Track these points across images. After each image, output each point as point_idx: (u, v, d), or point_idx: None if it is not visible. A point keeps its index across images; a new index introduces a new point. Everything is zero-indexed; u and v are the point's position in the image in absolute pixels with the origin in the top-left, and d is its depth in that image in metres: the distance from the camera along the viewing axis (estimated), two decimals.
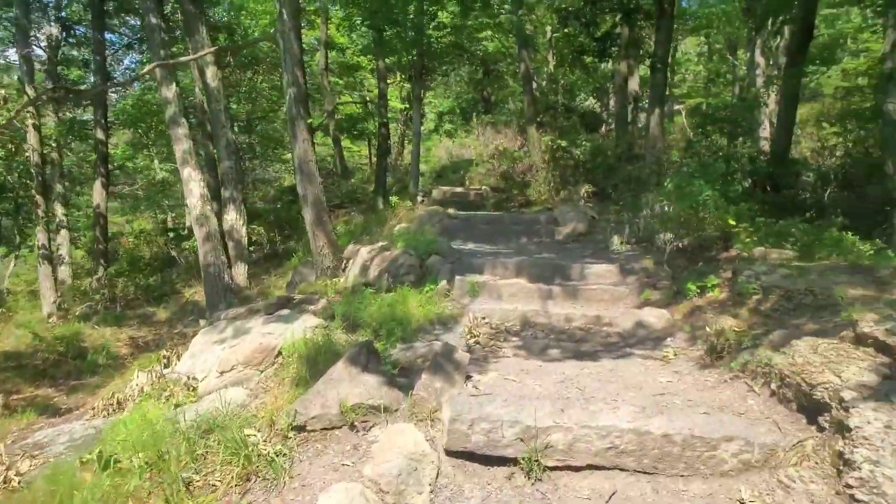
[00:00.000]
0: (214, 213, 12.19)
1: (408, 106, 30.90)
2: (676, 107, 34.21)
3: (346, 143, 30.09)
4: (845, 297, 5.10)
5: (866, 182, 12.64)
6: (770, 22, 26.62)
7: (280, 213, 20.03)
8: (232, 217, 12.32)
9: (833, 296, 5.19)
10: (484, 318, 6.64)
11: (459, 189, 20.87)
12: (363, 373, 4.76)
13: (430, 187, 20.98)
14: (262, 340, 6.35)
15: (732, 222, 6.67)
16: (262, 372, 6.10)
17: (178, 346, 9.26)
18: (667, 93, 21.56)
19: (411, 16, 14.07)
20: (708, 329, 5.57)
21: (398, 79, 28.79)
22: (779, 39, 26.25)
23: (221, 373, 6.19)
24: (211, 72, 12.30)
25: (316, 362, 5.56)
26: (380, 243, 10.55)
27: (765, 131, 23.92)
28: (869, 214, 12.16)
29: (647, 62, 15.67)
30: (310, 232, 10.88)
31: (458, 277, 7.62)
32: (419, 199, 18.47)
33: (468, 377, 4.82)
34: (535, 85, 24.94)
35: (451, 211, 12.37)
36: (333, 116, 22.02)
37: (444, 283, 7.57)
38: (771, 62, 27.48)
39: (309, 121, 10.52)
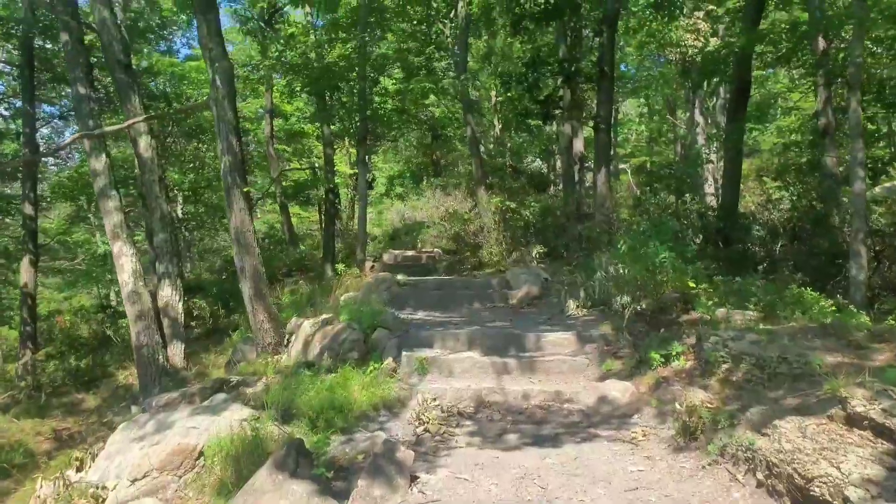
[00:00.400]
0: (150, 290, 11.33)
1: (356, 170, 30.69)
2: (622, 166, 34.96)
3: (295, 209, 29.53)
4: (823, 364, 4.67)
5: (813, 234, 12.63)
6: (706, 83, 27.60)
7: (224, 285, 19.10)
8: (167, 293, 11.47)
9: (810, 364, 4.75)
10: (434, 400, 6.00)
11: (411, 252, 20.38)
12: (291, 479, 4.04)
13: (381, 251, 20.44)
14: (182, 440, 5.54)
15: (692, 284, 6.29)
16: (180, 478, 5.28)
17: (103, 439, 8.29)
18: (612, 152, 21.78)
19: (352, 82, 13.83)
20: (678, 405, 5.05)
21: (345, 144, 28.59)
22: (715, 99, 27.15)
23: (133, 481, 5.34)
24: (144, 142, 11.67)
25: (240, 465, 4.81)
26: (323, 316, 9.85)
27: (710, 187, 24.37)
28: (821, 267, 12.09)
29: (591, 123, 15.69)
30: (248, 306, 10.12)
31: (405, 353, 6.98)
32: (369, 264, 17.87)
33: (414, 478, 4.16)
34: (482, 148, 24.97)
35: (399, 277, 11.79)
36: (280, 183, 21.46)
37: (389, 360, 6.92)
38: (709, 121, 28.36)
39: (246, 189, 9.93)
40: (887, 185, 19.40)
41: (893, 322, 6.01)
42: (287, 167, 22.81)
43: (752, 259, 12.76)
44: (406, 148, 36.99)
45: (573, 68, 15.37)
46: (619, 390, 5.89)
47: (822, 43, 14.27)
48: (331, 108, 14.03)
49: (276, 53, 14.31)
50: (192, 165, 24.11)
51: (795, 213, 13.19)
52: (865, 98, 17.78)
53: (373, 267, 17.86)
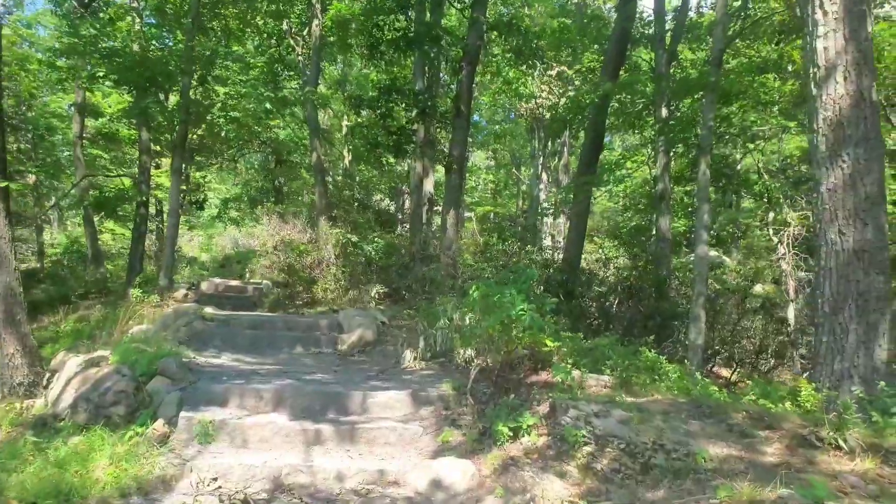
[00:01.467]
0: None
1: (184, 186, 27.77)
2: (467, 214, 34.78)
3: (110, 225, 25.94)
4: (707, 457, 3.74)
5: (649, 295, 12.52)
6: (550, 142, 28.33)
7: None
8: None
9: (692, 455, 3.82)
10: (214, 481, 4.40)
11: (235, 282, 18.20)
12: None
13: (199, 279, 18.07)
14: None
15: (549, 343, 5.29)
16: None
17: None
18: (462, 196, 21.15)
19: (178, 80, 11.90)
20: (530, 499, 3.90)
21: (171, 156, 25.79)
22: (558, 159, 27.86)
23: None
24: None
25: None
26: (96, 353, 7.78)
27: (546, 241, 24.69)
28: (654, 327, 11.94)
29: (444, 162, 14.88)
30: None
31: (186, 413, 5.27)
32: (182, 292, 15.53)
33: None
34: (329, 178, 23.52)
35: (208, 310, 9.89)
36: (85, 192, 18.44)
37: (161, 422, 5.18)
38: (551, 179, 29.09)
39: (2, 185, 7.72)
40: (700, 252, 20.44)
41: (753, 398, 5.38)
42: (96, 174, 19.67)
43: (587, 314, 12.38)
44: (246, 170, 34.55)
45: (429, 102, 14.53)
46: (459, 471, 4.65)
47: (664, 111, 14.64)
48: (147, 106, 11.92)
49: (89, 37, 12.00)
50: None
51: (633, 272, 13.11)
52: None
53: (186, 295, 15.52)
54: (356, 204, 24.03)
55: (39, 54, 21.56)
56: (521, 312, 4.96)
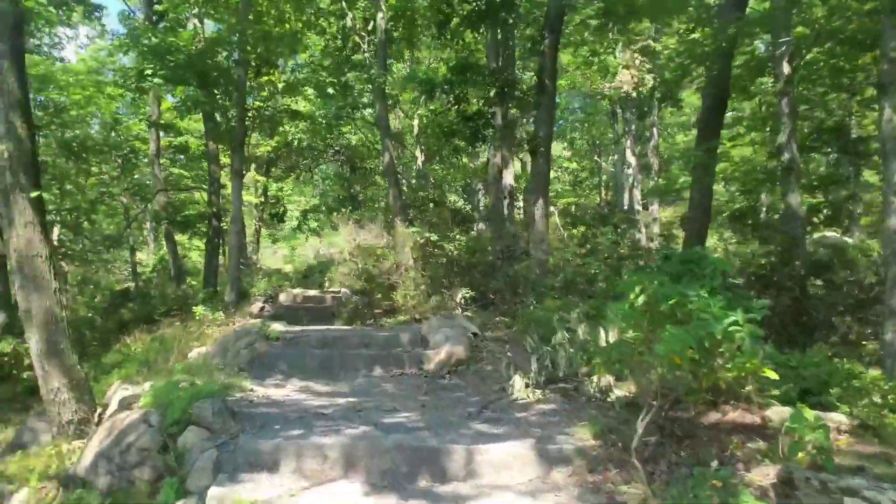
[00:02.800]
0: None
1: (262, 199, 26.96)
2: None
3: (196, 242, 25.31)
4: None
5: (792, 283, 10.05)
6: (635, 124, 25.73)
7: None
8: None
9: None
10: None
11: (314, 292, 16.79)
12: None
13: (277, 290, 16.79)
14: None
15: (769, 373, 3.21)
16: None
17: None
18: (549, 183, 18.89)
19: (228, 68, 10.40)
20: None
21: (251, 171, 24.90)
22: (650, 139, 25.18)
23: None
24: None
25: None
26: (143, 385, 6.28)
27: (640, 232, 22.13)
28: (785, 325, 9.49)
29: (527, 146, 12.85)
30: (37, 366, 6.44)
31: (216, 490, 3.52)
32: (258, 305, 14.20)
33: None
34: (403, 180, 21.93)
35: (276, 327, 8.29)
36: (166, 208, 17.55)
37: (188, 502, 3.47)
38: (640, 164, 26.44)
39: (36, 194, 6.32)
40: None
41: None
42: (167, 189, 18.73)
43: None
44: (323, 181, 33.68)
45: (507, 79, 12.58)
46: None
47: (786, 68, 12.09)
48: (197, 98, 10.48)
49: (149, 40, 10.67)
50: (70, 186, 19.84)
51: (769, 259, 10.68)
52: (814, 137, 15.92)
53: (262, 308, 14.18)
54: (431, 204, 22.33)
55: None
56: (733, 329, 2.95)
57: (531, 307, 8.64)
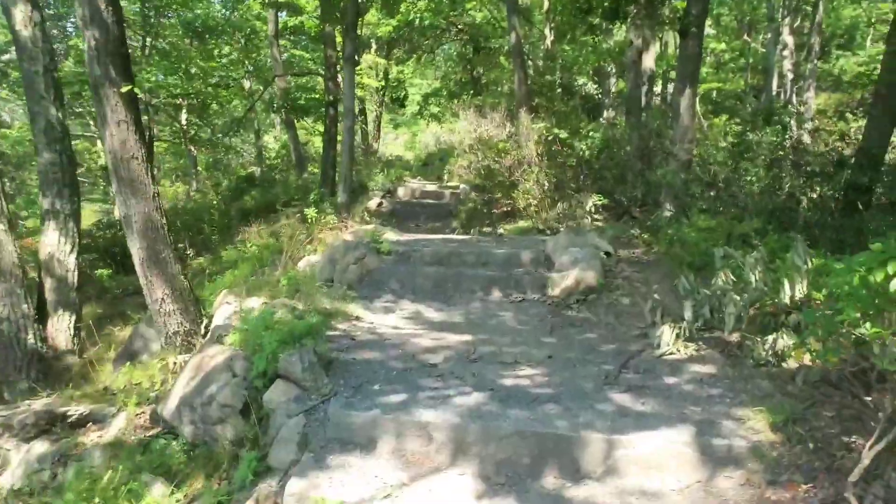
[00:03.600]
0: (15, 237, 7.48)
1: (383, 83, 26.07)
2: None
3: (313, 127, 25.17)
4: None
5: None
6: None
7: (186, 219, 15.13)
8: (52, 240, 7.60)
9: None
10: None
11: (432, 187, 16.12)
12: None
13: (396, 184, 16.24)
14: None
15: None
16: None
17: None
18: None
19: None
20: None
21: (372, 54, 23.92)
22: (810, 20, 21.29)
23: None
24: (21, 13, 7.52)
25: None
26: (248, 300, 5.88)
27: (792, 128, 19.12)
28: None
29: (676, 26, 10.79)
30: (141, 276, 6.21)
31: (296, 481, 2.91)
32: (376, 201, 13.73)
33: None
34: (529, 62, 20.08)
35: (388, 236, 7.63)
36: (286, 93, 17.16)
37: (264, 489, 2.90)
38: (798, 45, 22.62)
39: (126, 88, 5.78)
40: None
41: None
42: (284, 74, 18.13)
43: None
44: (445, 63, 32.13)
45: None
46: None
47: None
48: None
49: None
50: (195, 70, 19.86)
51: None
52: None
53: (380, 204, 13.72)
54: (558, 90, 20.47)
55: None
56: None
57: (675, 222, 7.35)
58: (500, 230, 9.40)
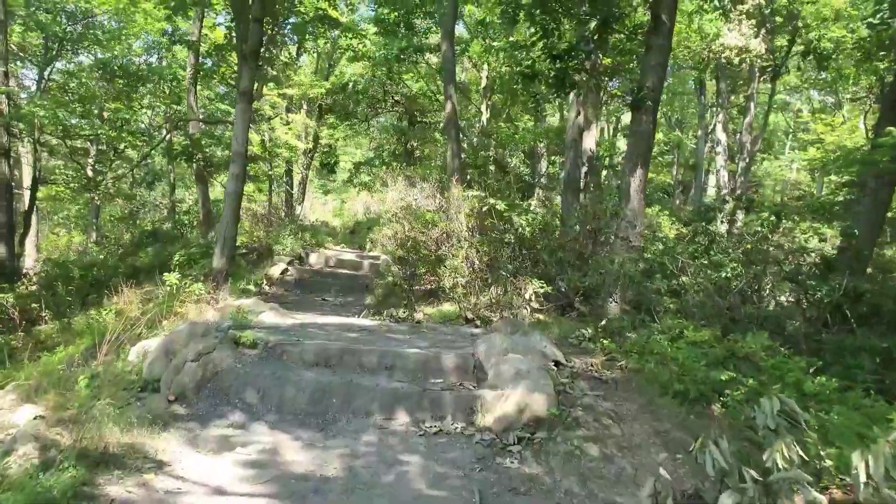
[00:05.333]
0: None
1: (312, 146, 24.15)
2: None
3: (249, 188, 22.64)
4: None
5: None
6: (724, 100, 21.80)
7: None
8: None
9: None
10: None
11: (350, 255, 13.94)
12: None
13: (310, 249, 14.00)
14: None
15: None
16: None
17: None
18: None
19: None
20: None
21: (300, 113, 22.07)
22: (745, 115, 21.13)
23: None
24: None
25: None
26: (33, 407, 3.51)
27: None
28: None
29: (629, 98, 9.39)
30: None
31: None
32: (281, 267, 11.42)
33: None
34: (464, 138, 18.69)
35: (266, 317, 5.43)
36: (196, 144, 14.85)
37: None
38: (732, 143, 22.46)
39: None
40: None
41: None
42: (199, 119, 15.83)
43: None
44: (380, 133, 30.81)
45: (611, 11, 9.17)
46: None
47: None
48: None
49: None
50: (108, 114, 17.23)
51: None
52: None
53: (285, 271, 11.41)
54: (492, 166, 19.14)
55: None
56: None
57: (640, 327, 5.53)
58: (420, 314, 7.32)
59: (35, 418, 3.42)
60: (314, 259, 12.93)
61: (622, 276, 6.71)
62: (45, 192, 17.77)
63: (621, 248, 7.81)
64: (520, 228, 7.71)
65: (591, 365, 5.20)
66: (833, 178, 20.11)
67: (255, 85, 7.69)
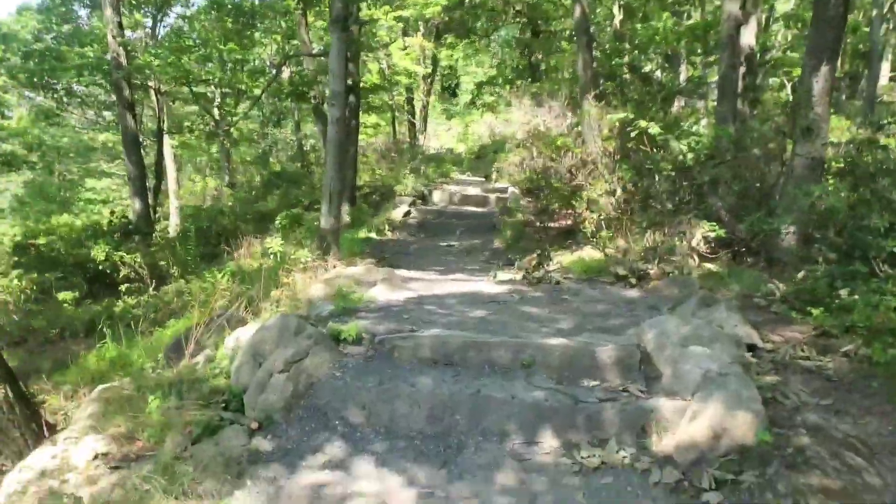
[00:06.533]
0: None
1: (431, 69, 22.85)
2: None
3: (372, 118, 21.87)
4: None
5: None
6: None
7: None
8: None
9: None
10: None
11: (475, 191, 12.86)
12: None
13: (433, 186, 13.04)
14: None
15: None
16: None
17: None
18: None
19: None
20: None
21: (417, 36, 20.69)
22: None
23: None
24: None
25: None
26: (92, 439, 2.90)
27: None
28: None
29: None
30: None
31: None
32: (405, 209, 10.60)
33: None
34: (595, 45, 16.40)
35: (374, 294, 4.54)
36: (305, 80, 14.19)
37: None
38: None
39: None
40: None
41: None
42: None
43: None
44: (501, 49, 28.69)
45: None
46: None
47: None
48: None
49: None
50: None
51: None
52: None
53: (407, 213, 10.59)
54: (628, 74, 16.76)
55: None
56: None
57: (881, 291, 3.92)
58: (556, 272, 6.07)
59: (96, 457, 2.76)
60: (437, 197, 12.01)
61: (825, 212, 4.99)
62: (178, 139, 18.22)
63: (803, 172, 5.96)
64: (680, 155, 6.08)
65: (800, 347, 3.75)
66: None
67: (350, 10, 6.48)
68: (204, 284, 6.74)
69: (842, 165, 5.78)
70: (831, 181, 5.84)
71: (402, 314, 4.41)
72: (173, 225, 15.51)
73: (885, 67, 20.27)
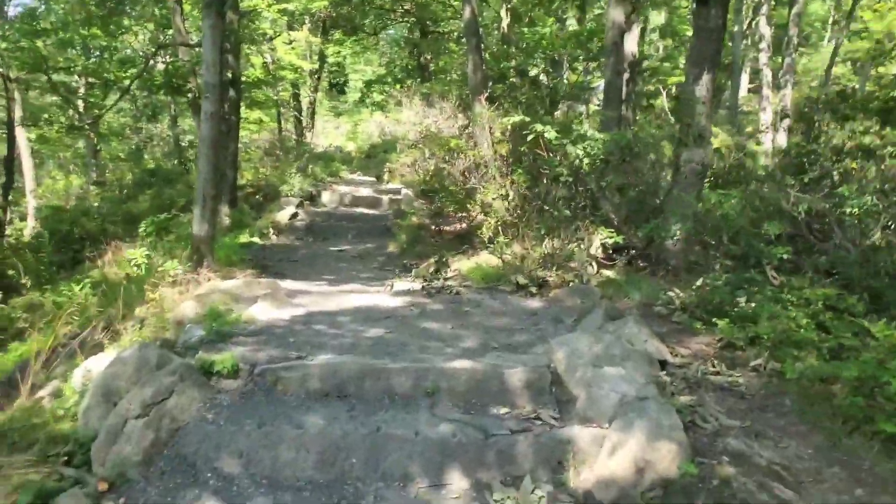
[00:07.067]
0: None
1: (318, 65, 21.95)
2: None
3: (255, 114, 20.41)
4: None
5: None
6: None
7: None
8: None
9: None
10: None
11: (367, 191, 12.31)
12: None
13: (321, 187, 12.32)
14: None
15: None
16: None
17: None
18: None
19: None
20: None
21: (302, 29, 19.76)
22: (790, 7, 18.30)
23: None
24: None
25: None
26: None
27: (772, 132, 16.15)
28: None
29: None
30: None
31: None
32: (291, 210, 9.84)
33: None
34: (484, 47, 16.35)
35: (254, 313, 3.95)
36: (176, 71, 12.94)
37: None
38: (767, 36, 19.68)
39: None
40: None
41: None
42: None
43: None
44: (390, 48, 28.24)
45: None
46: None
47: None
48: None
49: None
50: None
51: None
52: None
53: (294, 215, 9.85)
54: (514, 78, 16.87)
55: None
56: None
57: (778, 300, 3.91)
58: (455, 280, 5.73)
59: None
60: (327, 198, 11.34)
61: (720, 219, 5.03)
62: (35, 132, 16.10)
63: (691, 178, 6.09)
64: (576, 161, 5.96)
65: (710, 362, 3.65)
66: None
67: None
68: (59, 298, 5.72)
69: (727, 171, 5.91)
70: (720, 188, 5.98)
71: (287, 337, 3.85)
72: (30, 227, 13.63)
73: (745, 79, 22.09)
